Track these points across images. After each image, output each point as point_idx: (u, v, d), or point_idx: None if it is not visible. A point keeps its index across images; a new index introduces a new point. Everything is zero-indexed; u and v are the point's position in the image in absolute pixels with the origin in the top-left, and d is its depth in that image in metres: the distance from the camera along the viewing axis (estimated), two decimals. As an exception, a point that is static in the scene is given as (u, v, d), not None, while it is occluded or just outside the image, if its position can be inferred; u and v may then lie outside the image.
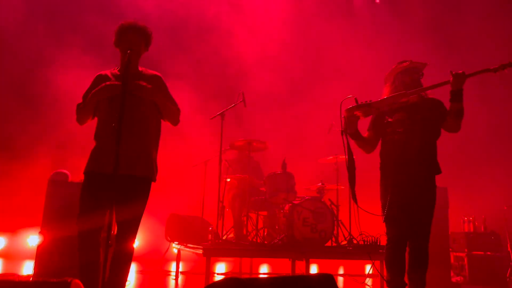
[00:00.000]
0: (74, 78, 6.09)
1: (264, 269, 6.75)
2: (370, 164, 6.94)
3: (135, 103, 2.86)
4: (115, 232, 2.91)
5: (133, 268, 6.24)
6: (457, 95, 3.16)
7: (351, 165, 3.35)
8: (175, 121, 3.09)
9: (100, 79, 2.96)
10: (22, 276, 4.98)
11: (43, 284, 1.43)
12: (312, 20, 8.43)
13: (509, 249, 6.48)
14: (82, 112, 2.93)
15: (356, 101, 3.31)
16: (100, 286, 2.26)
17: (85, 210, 2.77)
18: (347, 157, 3.37)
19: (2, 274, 5.13)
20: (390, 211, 3.33)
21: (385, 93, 3.57)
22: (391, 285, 3.31)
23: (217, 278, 5.81)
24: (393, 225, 3.37)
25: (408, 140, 3.35)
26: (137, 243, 6.70)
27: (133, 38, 2.94)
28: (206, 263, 4.29)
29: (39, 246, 4.46)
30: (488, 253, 5.86)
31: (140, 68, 3.05)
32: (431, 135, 3.41)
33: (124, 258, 2.84)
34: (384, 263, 3.71)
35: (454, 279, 5.72)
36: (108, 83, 2.85)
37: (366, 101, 3.32)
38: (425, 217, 3.34)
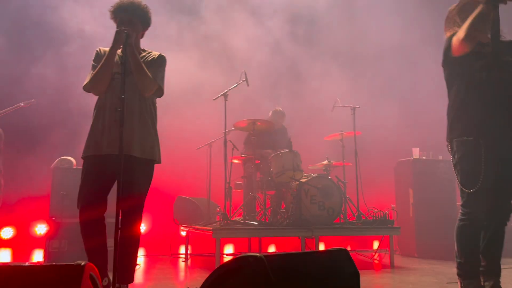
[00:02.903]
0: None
1: (273, 249, 6.77)
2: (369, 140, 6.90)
3: (134, 83, 2.79)
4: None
5: (142, 252, 6.26)
6: None
7: None
8: (145, 86, 2.82)
9: (99, 55, 2.90)
10: (33, 263, 5.00)
11: (55, 268, 1.39)
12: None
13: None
14: (99, 74, 2.76)
15: None
16: (114, 271, 2.23)
17: (87, 195, 2.71)
18: None
19: (12, 263, 5.15)
20: (487, 176, 2.69)
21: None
22: (466, 269, 2.83)
23: (227, 258, 5.83)
24: (484, 198, 2.73)
25: (508, 81, 2.73)
26: (145, 227, 6.72)
27: (126, 18, 2.84)
28: (216, 244, 4.29)
29: (47, 234, 4.47)
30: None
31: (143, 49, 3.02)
32: None
33: (131, 242, 2.81)
34: (394, 240, 3.44)
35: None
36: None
37: None
38: None
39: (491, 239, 2.82)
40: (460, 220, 2.85)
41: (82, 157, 2.82)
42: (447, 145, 2.95)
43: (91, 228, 2.71)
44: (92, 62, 2.88)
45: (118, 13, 2.86)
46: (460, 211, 2.86)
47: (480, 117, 2.75)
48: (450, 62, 2.91)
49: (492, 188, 2.72)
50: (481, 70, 2.76)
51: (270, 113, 6.12)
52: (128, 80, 2.70)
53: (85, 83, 2.83)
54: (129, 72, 2.76)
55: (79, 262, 1.37)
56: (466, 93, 2.81)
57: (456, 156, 2.84)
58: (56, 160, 4.68)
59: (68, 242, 4.39)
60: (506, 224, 2.84)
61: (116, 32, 2.72)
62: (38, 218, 6.20)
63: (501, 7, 2.66)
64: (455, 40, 2.77)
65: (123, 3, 2.86)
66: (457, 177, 2.85)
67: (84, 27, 6.32)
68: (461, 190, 2.82)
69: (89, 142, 2.81)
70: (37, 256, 5.56)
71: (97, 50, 2.95)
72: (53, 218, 4.52)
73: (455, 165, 2.87)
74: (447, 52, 2.91)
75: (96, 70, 2.78)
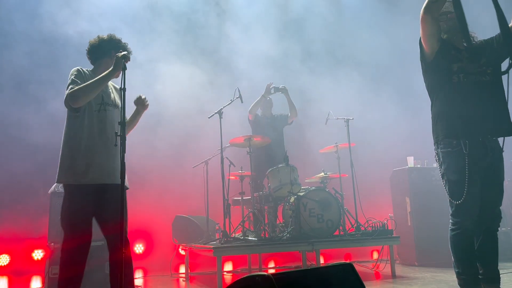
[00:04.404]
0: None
1: (272, 264, 6.75)
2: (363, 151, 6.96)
3: (114, 114, 3.01)
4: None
5: (143, 273, 6.20)
6: None
7: None
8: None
9: (83, 74, 2.97)
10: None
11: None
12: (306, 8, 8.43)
13: (513, 223, 6.52)
14: (93, 86, 2.81)
15: None
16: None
17: (75, 223, 2.80)
18: None
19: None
20: (472, 186, 2.74)
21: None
22: (465, 278, 2.82)
23: (228, 276, 5.80)
24: (471, 207, 2.76)
25: (485, 83, 2.79)
26: (143, 247, 6.68)
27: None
28: (218, 262, 4.27)
29: (46, 260, 4.42)
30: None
31: None
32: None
33: (128, 269, 2.84)
34: (397, 250, 3.40)
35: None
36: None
37: None
38: (502, 195, 2.85)
39: (484, 246, 2.85)
40: (452, 230, 2.88)
41: (67, 184, 2.85)
42: (435, 156, 2.99)
43: (80, 260, 2.78)
44: (73, 78, 2.89)
45: (113, 45, 3.05)
46: (450, 220, 2.89)
47: (462, 125, 2.78)
48: (428, 68, 2.98)
49: (478, 197, 2.76)
50: (458, 72, 2.82)
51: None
52: (115, 113, 2.98)
53: (72, 90, 2.79)
54: (115, 105, 3.01)
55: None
56: (447, 99, 2.86)
57: (443, 167, 2.89)
58: (54, 185, 4.65)
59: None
60: (497, 231, 2.88)
61: (117, 57, 2.79)
62: (36, 243, 6.15)
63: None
64: (420, 22, 2.86)
65: (120, 40, 3.11)
66: (445, 187, 2.90)
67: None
68: (450, 201, 2.86)
69: (77, 170, 2.82)
70: (35, 283, 5.48)
71: (79, 69, 2.99)
72: (52, 244, 4.47)
73: (442, 176, 2.92)
74: (422, 54, 3.00)
75: (91, 82, 2.83)
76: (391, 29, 7.89)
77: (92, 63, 3.13)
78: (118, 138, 2.55)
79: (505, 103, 2.79)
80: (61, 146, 2.89)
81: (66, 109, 2.91)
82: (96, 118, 2.90)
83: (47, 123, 6.05)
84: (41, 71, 6.46)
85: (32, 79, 6.46)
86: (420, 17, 2.85)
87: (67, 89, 2.82)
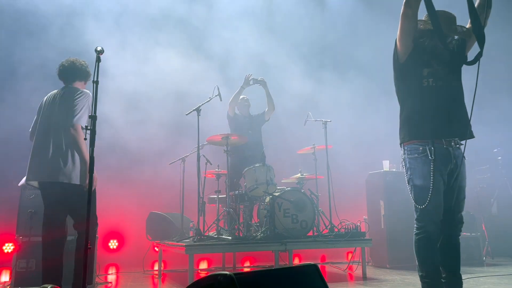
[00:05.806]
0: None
1: (247, 263, 6.75)
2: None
3: None
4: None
5: (115, 269, 6.14)
6: None
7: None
8: None
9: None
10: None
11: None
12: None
13: (483, 228, 6.68)
14: None
15: None
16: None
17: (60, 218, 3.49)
18: None
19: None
20: (436, 191, 2.78)
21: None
22: (428, 281, 2.85)
23: (202, 274, 5.78)
24: (435, 212, 2.80)
25: (451, 88, 2.87)
26: (117, 243, 6.61)
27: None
28: (189, 260, 4.25)
29: (14, 253, 4.34)
30: (464, 233, 6.00)
31: None
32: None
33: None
34: (364, 252, 3.47)
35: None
36: None
37: None
38: (463, 201, 2.92)
39: (446, 251, 2.89)
40: (416, 234, 2.89)
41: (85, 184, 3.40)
42: (401, 162, 3.01)
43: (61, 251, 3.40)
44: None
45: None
46: (415, 225, 2.91)
47: (429, 128, 2.81)
48: (399, 70, 2.98)
49: (441, 203, 2.81)
50: (428, 76, 2.84)
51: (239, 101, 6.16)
52: None
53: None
54: None
55: (45, 286, 1.36)
56: (416, 102, 2.88)
57: (409, 173, 2.92)
58: (24, 177, 4.54)
59: (37, 261, 4.26)
60: (459, 235, 2.93)
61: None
62: (7, 237, 6.02)
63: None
64: (400, 16, 2.84)
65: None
66: (410, 192, 2.92)
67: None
68: (414, 205, 2.88)
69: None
70: (4, 277, 5.37)
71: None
72: (20, 237, 4.39)
73: (408, 181, 2.94)
74: (395, 54, 2.99)
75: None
76: (376, 32, 7.97)
77: (67, 82, 3.61)
78: (88, 132, 2.56)
79: (466, 108, 2.87)
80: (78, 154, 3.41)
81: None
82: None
83: (14, 113, 5.94)
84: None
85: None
86: (401, 12, 2.83)
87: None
